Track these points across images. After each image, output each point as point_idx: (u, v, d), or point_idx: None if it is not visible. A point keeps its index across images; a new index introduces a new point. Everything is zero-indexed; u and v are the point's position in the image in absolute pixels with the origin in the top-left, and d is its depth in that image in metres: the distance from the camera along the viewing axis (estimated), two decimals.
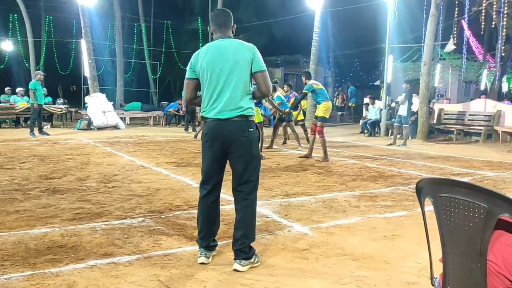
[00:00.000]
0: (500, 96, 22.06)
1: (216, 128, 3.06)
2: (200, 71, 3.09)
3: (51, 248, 3.40)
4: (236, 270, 3.04)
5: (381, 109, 15.05)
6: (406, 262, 3.29)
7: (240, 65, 3.01)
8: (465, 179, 6.63)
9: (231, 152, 3.07)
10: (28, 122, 13.77)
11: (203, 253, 3.15)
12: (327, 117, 8.31)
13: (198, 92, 3.28)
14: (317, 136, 8.28)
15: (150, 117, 17.97)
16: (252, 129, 3.09)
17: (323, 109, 8.14)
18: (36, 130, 12.24)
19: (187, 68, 3.21)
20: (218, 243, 3.56)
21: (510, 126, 13.04)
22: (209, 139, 3.10)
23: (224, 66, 3.01)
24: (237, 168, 3.10)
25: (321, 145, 8.34)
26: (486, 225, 1.62)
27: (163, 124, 17.73)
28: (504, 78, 25.22)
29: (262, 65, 3.08)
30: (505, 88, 26.45)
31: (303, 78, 8.49)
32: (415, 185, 1.88)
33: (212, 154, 3.11)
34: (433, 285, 2.00)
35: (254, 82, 3.14)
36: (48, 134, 12.48)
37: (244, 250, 3.06)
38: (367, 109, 16.20)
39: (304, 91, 8.45)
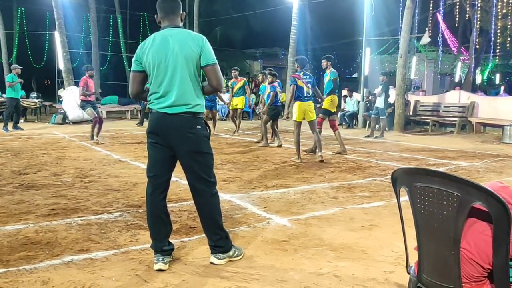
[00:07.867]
0: (474, 88, 22.57)
1: (160, 121, 2.90)
2: (146, 64, 2.89)
3: (25, 244, 3.33)
4: (212, 263, 3.03)
5: (359, 102, 15.20)
6: (383, 251, 3.34)
7: (187, 58, 2.83)
8: (440, 169, 6.76)
9: (177, 149, 2.92)
10: (1, 117, 13.43)
11: (160, 259, 2.94)
12: (332, 111, 8.19)
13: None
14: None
15: (128, 110, 17.73)
16: (199, 126, 2.92)
17: (328, 102, 8.08)
18: (10, 125, 11.95)
19: (133, 60, 2.99)
20: (197, 236, 3.55)
21: (483, 117, 13.34)
22: (151, 132, 2.96)
23: (170, 60, 2.83)
24: (187, 165, 2.97)
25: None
26: (459, 213, 1.64)
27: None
28: (478, 70, 25.81)
29: (212, 58, 2.89)
30: (478, 79, 27.07)
31: (326, 62, 7.98)
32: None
33: (157, 149, 2.96)
34: (408, 273, 2.03)
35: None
36: (22, 129, 12.18)
37: (218, 245, 3.04)
38: (345, 102, 16.33)
39: (334, 77, 8.02)
